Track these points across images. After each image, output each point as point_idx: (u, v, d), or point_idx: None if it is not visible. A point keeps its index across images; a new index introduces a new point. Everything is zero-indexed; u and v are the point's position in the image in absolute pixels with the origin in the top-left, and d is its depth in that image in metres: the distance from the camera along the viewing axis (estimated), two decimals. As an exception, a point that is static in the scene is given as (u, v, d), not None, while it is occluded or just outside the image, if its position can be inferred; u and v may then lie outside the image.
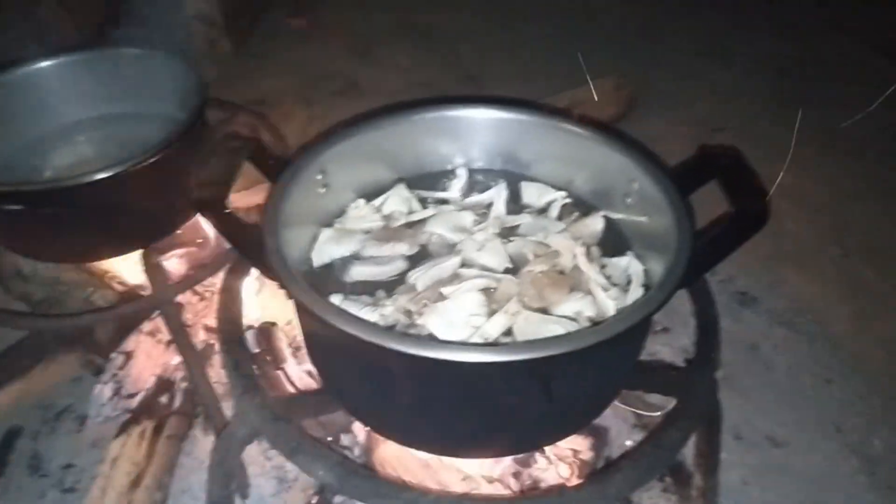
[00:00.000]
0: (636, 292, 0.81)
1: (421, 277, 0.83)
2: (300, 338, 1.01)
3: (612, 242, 0.89)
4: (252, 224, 0.77)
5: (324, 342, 0.75)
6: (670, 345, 1.37)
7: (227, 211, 0.76)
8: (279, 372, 0.99)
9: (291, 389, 0.97)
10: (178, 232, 1.22)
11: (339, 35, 2.62)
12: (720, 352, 0.87)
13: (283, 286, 0.71)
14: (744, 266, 1.58)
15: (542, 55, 2.46)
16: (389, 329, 0.72)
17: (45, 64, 1.17)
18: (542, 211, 0.95)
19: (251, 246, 0.76)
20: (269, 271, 0.74)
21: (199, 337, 1.25)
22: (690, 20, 2.67)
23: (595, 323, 0.76)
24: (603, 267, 0.85)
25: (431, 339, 0.69)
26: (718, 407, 0.87)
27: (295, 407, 0.81)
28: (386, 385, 0.71)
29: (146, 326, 1.28)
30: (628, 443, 1.16)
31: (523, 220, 0.92)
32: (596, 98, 1.94)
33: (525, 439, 0.76)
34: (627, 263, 0.85)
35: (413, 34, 2.64)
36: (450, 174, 1.01)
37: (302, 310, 0.71)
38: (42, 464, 1.22)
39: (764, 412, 1.29)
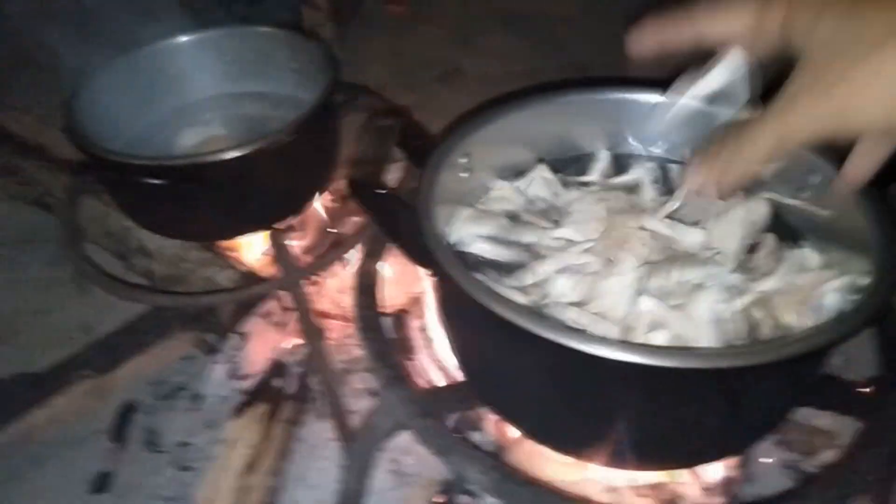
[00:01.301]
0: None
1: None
2: (431, 327, 0.97)
3: (780, 231, 0.80)
4: (404, 207, 0.73)
5: (479, 335, 0.70)
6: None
7: (383, 192, 0.72)
8: (410, 362, 0.95)
9: (421, 382, 0.93)
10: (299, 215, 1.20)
11: (438, 22, 2.58)
12: (911, 369, 0.77)
13: (441, 273, 0.67)
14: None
15: (650, 45, 2.34)
16: (568, 326, 0.66)
17: (178, 40, 1.17)
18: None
19: (403, 231, 0.71)
20: (422, 257, 0.69)
21: (314, 322, 1.23)
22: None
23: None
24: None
25: (618, 341, 0.63)
26: (908, 431, 0.77)
27: (438, 401, 0.76)
28: (549, 386, 0.66)
29: (261, 308, 1.27)
30: (767, 460, 1.08)
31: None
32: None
33: (694, 453, 0.69)
34: (803, 256, 0.76)
35: (512, 22, 2.58)
36: (590, 157, 0.94)
37: (460, 300, 0.66)
38: (158, 440, 1.23)
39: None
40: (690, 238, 0.76)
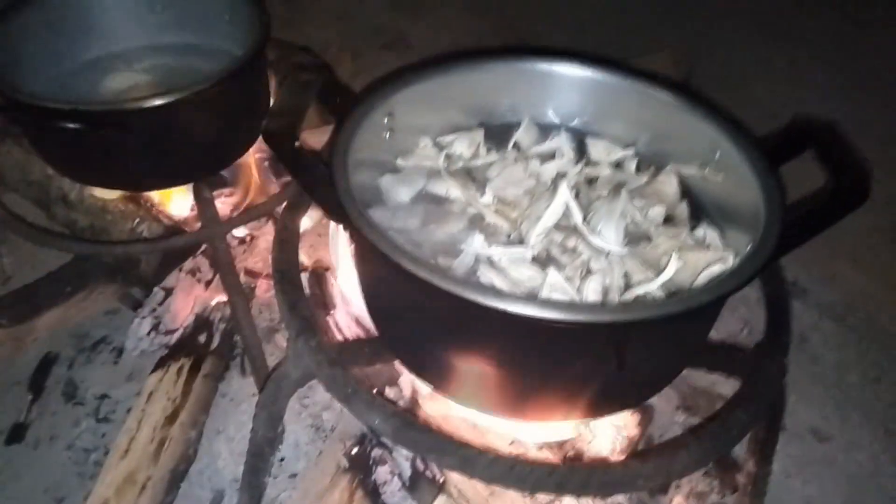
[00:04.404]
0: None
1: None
2: (350, 284, 0.98)
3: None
4: (320, 162, 0.74)
5: (388, 288, 0.73)
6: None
7: (297, 145, 0.73)
8: (328, 318, 0.97)
9: (338, 337, 0.95)
10: (226, 171, 1.20)
11: (388, -12, 2.56)
12: (791, 335, 0.83)
13: (351, 228, 0.68)
14: (795, 256, 1.53)
15: (595, 25, 2.39)
16: (465, 278, 0.69)
17: (107, -13, 1.14)
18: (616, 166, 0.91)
19: (318, 184, 0.73)
20: (335, 211, 0.71)
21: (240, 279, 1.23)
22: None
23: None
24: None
25: (517, 295, 0.66)
26: (784, 393, 0.83)
27: (349, 353, 0.79)
28: (452, 337, 0.69)
29: (187, 264, 1.26)
30: (672, 422, 1.14)
31: (602, 171, 0.88)
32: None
33: (588, 405, 0.73)
34: (703, 234, 0.81)
35: (463, -6, 2.58)
36: (514, 126, 0.97)
37: (370, 253, 0.68)
38: (77, 392, 1.23)
39: (809, 405, 1.26)
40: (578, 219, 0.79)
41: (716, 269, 0.73)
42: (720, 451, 0.72)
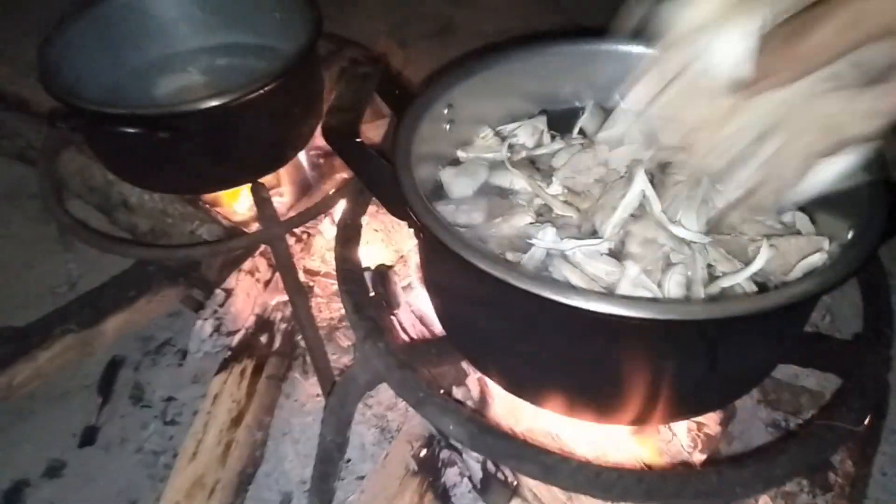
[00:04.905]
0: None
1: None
2: (413, 282, 0.96)
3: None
4: (380, 157, 0.72)
5: (457, 286, 0.69)
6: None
7: (358, 140, 0.70)
8: (393, 318, 0.94)
9: (404, 337, 0.93)
10: (281, 170, 1.18)
11: (433, -24, 2.52)
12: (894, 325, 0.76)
13: (418, 225, 0.65)
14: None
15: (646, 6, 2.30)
16: (539, 275, 0.65)
17: (156, -11, 1.13)
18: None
19: (380, 180, 0.70)
20: (399, 208, 0.68)
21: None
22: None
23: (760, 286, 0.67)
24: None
25: (597, 293, 0.62)
26: (888, 388, 0.77)
27: (417, 354, 0.76)
28: (525, 337, 0.65)
29: (245, 265, 1.26)
30: (754, 417, 1.08)
31: (675, 156, 0.82)
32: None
33: (674, 408, 0.69)
34: (792, 218, 0.75)
35: (510, -24, 2.52)
36: (577, 111, 0.92)
37: (438, 251, 0.65)
38: (144, 395, 1.24)
39: (904, 398, 1.17)
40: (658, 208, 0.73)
41: (815, 258, 0.67)
42: (824, 455, 0.66)
